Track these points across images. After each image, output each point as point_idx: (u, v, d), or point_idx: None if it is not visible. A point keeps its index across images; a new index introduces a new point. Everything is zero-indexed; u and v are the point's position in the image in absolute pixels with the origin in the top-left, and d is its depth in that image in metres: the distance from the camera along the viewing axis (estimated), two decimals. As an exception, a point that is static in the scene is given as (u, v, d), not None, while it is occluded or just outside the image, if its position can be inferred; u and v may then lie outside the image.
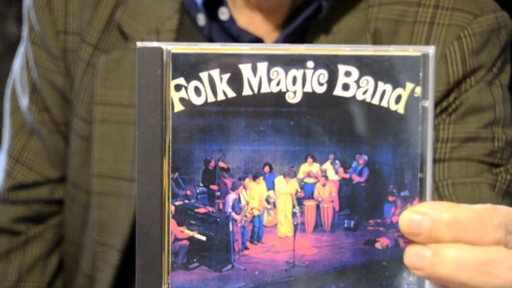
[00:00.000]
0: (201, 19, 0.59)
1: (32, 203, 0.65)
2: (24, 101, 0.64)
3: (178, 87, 0.30)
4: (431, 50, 0.30)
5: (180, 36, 0.59)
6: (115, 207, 0.60)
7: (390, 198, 0.31)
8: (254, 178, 0.31)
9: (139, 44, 0.30)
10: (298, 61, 0.30)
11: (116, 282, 0.61)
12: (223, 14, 0.58)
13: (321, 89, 0.30)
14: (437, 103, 0.57)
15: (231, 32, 0.58)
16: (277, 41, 0.58)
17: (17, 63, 0.66)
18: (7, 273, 0.65)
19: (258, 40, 0.58)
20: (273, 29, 0.59)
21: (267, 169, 0.31)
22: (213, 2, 0.58)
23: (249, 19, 0.59)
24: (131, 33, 0.60)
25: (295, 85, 0.30)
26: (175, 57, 0.30)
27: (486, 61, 0.58)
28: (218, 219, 0.31)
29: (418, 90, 0.30)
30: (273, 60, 0.30)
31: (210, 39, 0.59)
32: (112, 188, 0.60)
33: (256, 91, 0.30)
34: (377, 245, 0.31)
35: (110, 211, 0.60)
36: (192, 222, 0.30)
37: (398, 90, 0.30)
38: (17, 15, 1.29)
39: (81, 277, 0.65)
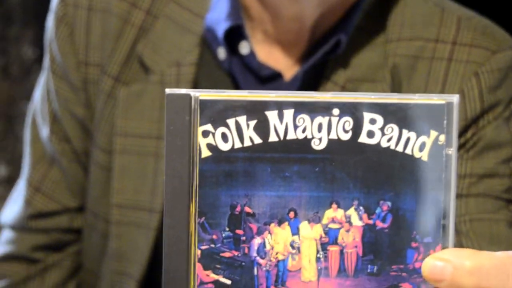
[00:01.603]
0: (222, 53, 0.60)
1: (51, 231, 0.65)
2: (44, 131, 0.65)
3: (205, 133, 0.31)
4: (455, 98, 0.31)
5: (200, 69, 0.60)
6: (134, 237, 0.60)
7: (413, 244, 0.31)
8: (279, 223, 0.31)
9: (167, 91, 0.31)
10: (324, 108, 0.31)
11: None
12: (243, 48, 0.58)
13: (346, 136, 0.31)
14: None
15: (251, 67, 0.59)
16: (296, 76, 0.58)
17: (38, 93, 0.67)
18: None
19: (277, 74, 0.58)
20: (293, 63, 0.60)
21: (292, 214, 0.31)
22: (234, 37, 0.58)
23: (269, 53, 0.59)
24: (152, 65, 0.61)
25: (320, 132, 0.31)
26: (203, 103, 0.30)
27: (503, 97, 0.58)
28: (243, 263, 0.31)
29: (442, 138, 0.31)
30: (299, 107, 0.31)
31: (230, 73, 0.60)
32: (132, 219, 0.60)
33: (282, 137, 0.31)
34: (400, 290, 0.31)
35: (128, 241, 0.60)
36: (218, 266, 0.31)
37: (422, 138, 0.31)
38: (33, 39, 1.31)
39: None
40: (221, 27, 0.58)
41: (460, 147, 0.58)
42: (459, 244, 0.56)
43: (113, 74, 0.62)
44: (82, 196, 0.65)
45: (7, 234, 0.67)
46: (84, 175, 0.65)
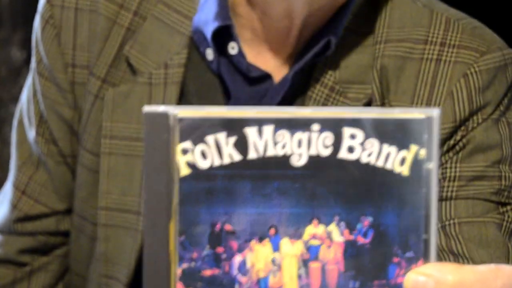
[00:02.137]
0: (210, 54, 0.59)
1: (38, 234, 0.65)
2: (31, 133, 0.65)
3: (184, 151, 0.30)
4: (435, 112, 0.31)
5: (188, 70, 0.60)
6: (121, 240, 0.60)
7: (395, 259, 0.31)
8: (260, 240, 0.31)
9: (145, 109, 0.30)
10: (303, 124, 0.31)
11: None
12: (232, 48, 0.58)
13: (326, 152, 0.31)
14: (444, 141, 0.57)
15: (239, 67, 0.58)
16: (286, 78, 0.58)
17: (25, 94, 0.67)
18: None
19: (266, 75, 0.58)
20: (282, 63, 0.59)
21: (272, 231, 0.31)
22: (222, 37, 0.58)
23: (257, 53, 0.59)
24: (140, 67, 0.60)
25: (300, 148, 0.31)
26: (182, 121, 0.30)
27: (492, 98, 0.58)
28: (224, 281, 0.31)
29: (423, 152, 0.31)
30: (279, 124, 0.30)
31: (219, 74, 0.59)
32: (119, 221, 0.60)
33: (262, 154, 0.31)
34: (382, 305, 0.31)
35: (116, 243, 0.60)
36: (199, 284, 0.31)
37: (403, 152, 0.31)
38: (21, 41, 1.31)
39: None
40: (209, 27, 0.58)
41: (450, 149, 0.58)
42: (448, 248, 0.56)
43: (100, 75, 0.61)
44: (69, 198, 0.65)
45: None
46: (71, 177, 0.64)
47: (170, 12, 0.61)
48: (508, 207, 0.58)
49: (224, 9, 0.58)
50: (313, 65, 0.59)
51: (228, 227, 0.31)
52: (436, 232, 0.31)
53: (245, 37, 0.59)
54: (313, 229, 0.31)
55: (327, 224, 0.31)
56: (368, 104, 0.57)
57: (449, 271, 0.30)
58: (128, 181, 0.60)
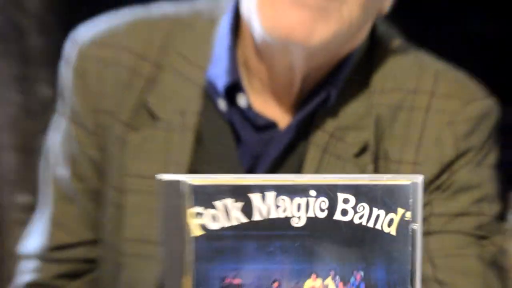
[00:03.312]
0: (222, 104, 0.64)
1: (70, 262, 0.70)
2: (63, 172, 0.69)
3: (196, 215, 0.34)
4: (419, 179, 0.34)
5: (203, 118, 0.64)
6: (143, 269, 0.64)
7: (385, 309, 0.35)
8: (265, 293, 0.35)
9: (158, 176, 0.34)
10: (302, 190, 0.34)
11: None
12: (241, 100, 0.62)
13: (322, 215, 0.35)
14: (432, 181, 0.61)
15: (248, 116, 0.63)
16: (290, 126, 0.62)
17: (56, 136, 0.71)
18: None
19: (272, 123, 0.62)
20: (286, 111, 0.63)
21: (276, 284, 0.35)
22: (232, 90, 0.62)
23: (264, 101, 0.63)
24: (159, 113, 0.64)
25: (299, 211, 0.34)
26: (193, 188, 0.34)
27: (476, 144, 0.62)
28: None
29: (408, 214, 0.35)
30: (280, 190, 0.34)
31: (231, 123, 0.63)
32: (141, 251, 0.65)
33: (265, 216, 0.34)
34: None
35: (138, 271, 0.65)
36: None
37: (391, 215, 0.35)
38: (49, 78, 1.35)
39: None
40: (221, 82, 0.62)
41: (437, 188, 0.62)
42: (435, 277, 0.60)
43: (123, 120, 0.66)
44: (97, 230, 0.69)
45: (32, 263, 0.72)
46: (99, 211, 0.69)
47: (185, 64, 0.66)
48: (488, 241, 0.62)
49: (234, 65, 0.63)
50: (314, 113, 0.63)
51: (236, 281, 0.35)
52: (420, 285, 0.35)
53: (255, 87, 0.63)
54: (312, 283, 0.35)
55: (324, 278, 0.35)
56: (365, 148, 0.61)
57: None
58: (151, 215, 0.64)
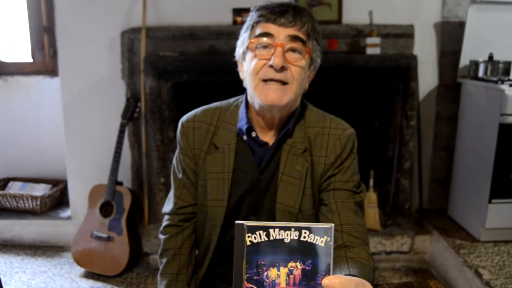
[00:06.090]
0: (245, 137, 1.41)
1: (185, 214, 1.56)
2: (179, 175, 1.49)
3: (249, 236, 0.91)
4: (332, 225, 0.91)
5: (237, 145, 1.46)
6: (216, 211, 1.44)
7: (318, 275, 0.90)
8: (273, 267, 0.90)
9: (237, 222, 0.92)
10: (287, 228, 0.91)
11: (218, 248, 1.51)
12: (253, 133, 1.41)
13: (296, 237, 0.91)
14: (332, 164, 1.40)
15: (256, 141, 1.43)
16: (274, 143, 1.44)
17: (175, 159, 1.52)
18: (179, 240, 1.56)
19: (266, 143, 1.44)
20: (271, 137, 1.45)
21: (277, 264, 0.91)
22: (248, 130, 1.39)
23: (262, 132, 1.42)
24: (218, 145, 1.43)
25: (287, 236, 0.91)
26: (248, 227, 0.91)
27: (347, 151, 1.40)
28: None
29: (328, 239, 0.90)
30: (279, 228, 0.91)
31: (249, 145, 1.47)
32: (215, 204, 1.44)
33: (274, 238, 0.91)
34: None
35: (215, 213, 1.45)
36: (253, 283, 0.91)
37: (322, 238, 0.90)
38: (173, 128, 3.19)
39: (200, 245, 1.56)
40: (243, 127, 1.42)
41: (335, 168, 1.42)
42: (331, 210, 1.39)
43: (203, 150, 1.45)
44: (196, 198, 1.53)
45: (168, 216, 1.57)
46: (196, 190, 1.52)
47: (228, 124, 1.45)
48: (357, 194, 1.41)
49: (248, 119, 1.44)
50: (283, 136, 1.40)
51: (262, 262, 0.91)
52: (332, 269, 0.91)
53: (257, 125, 1.42)
54: (291, 264, 0.90)
55: (296, 262, 0.90)
56: (305, 150, 1.41)
57: (339, 281, 0.90)
58: (220, 189, 1.43)
